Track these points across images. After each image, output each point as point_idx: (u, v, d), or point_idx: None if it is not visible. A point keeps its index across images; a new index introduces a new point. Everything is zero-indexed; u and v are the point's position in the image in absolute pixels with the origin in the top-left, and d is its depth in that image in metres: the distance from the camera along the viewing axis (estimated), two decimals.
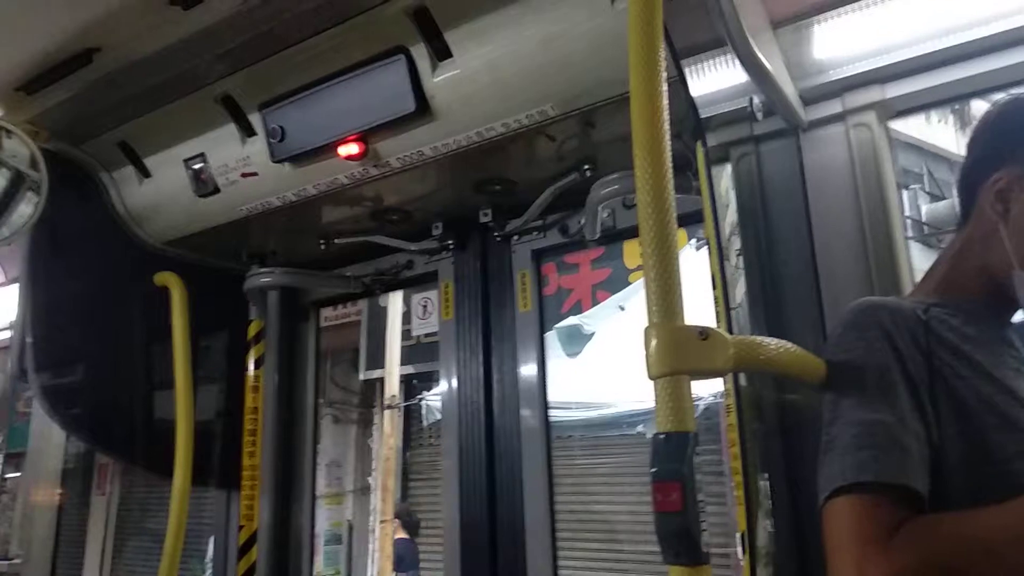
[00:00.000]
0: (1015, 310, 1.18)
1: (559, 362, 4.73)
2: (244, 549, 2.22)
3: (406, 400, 7.32)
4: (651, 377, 0.92)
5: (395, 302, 6.44)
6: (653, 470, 0.87)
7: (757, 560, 1.34)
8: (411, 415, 7.88)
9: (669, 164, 0.98)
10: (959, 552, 0.92)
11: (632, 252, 5.81)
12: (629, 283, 5.94)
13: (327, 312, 2.69)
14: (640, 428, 3.91)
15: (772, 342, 1.01)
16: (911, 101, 1.68)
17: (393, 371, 6.46)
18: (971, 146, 1.24)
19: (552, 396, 2.11)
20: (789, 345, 1.03)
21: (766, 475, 1.54)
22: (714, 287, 1.31)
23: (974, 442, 1.02)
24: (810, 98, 1.70)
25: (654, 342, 0.91)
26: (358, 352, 8.26)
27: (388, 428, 6.39)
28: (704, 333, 0.92)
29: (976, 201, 1.19)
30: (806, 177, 1.68)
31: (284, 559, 2.33)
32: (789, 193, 1.70)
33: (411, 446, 8.07)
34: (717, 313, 1.27)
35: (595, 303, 6.12)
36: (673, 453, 0.87)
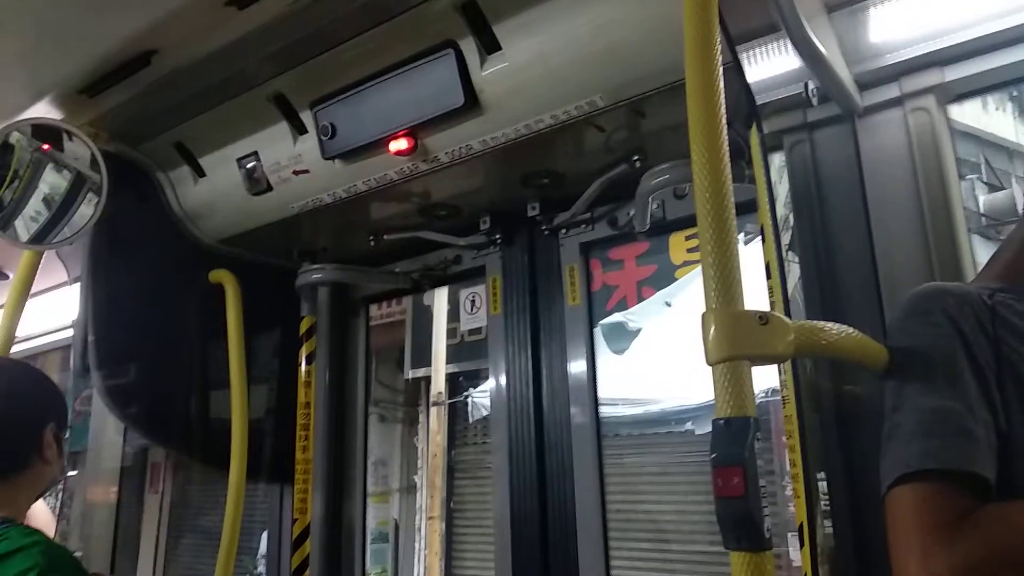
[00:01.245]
0: None
1: (605, 359, 4.70)
2: (298, 542, 2.25)
3: (451, 398, 7.34)
4: (710, 363, 0.91)
5: (440, 300, 6.47)
6: (713, 456, 0.87)
7: (817, 556, 1.31)
8: (456, 414, 7.92)
9: (726, 149, 0.97)
10: None
11: (678, 247, 5.74)
12: (675, 279, 5.87)
13: (372, 311, 2.72)
14: (689, 425, 3.87)
15: (833, 327, 0.99)
16: (971, 84, 1.64)
17: (440, 368, 6.49)
18: None
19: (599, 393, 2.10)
20: (850, 330, 1.01)
21: (822, 473, 1.51)
22: (768, 276, 1.29)
23: None
24: (866, 83, 1.66)
25: (713, 327, 0.90)
26: (403, 351, 8.32)
27: (435, 425, 6.42)
28: (764, 318, 0.90)
29: None
30: (863, 164, 1.64)
31: (336, 554, 2.37)
32: (845, 181, 1.66)
33: (456, 444, 8.10)
34: (772, 303, 1.25)
35: (640, 300, 6.06)
36: (734, 438, 0.86)
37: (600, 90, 1.62)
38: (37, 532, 1.31)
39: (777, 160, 1.77)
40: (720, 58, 1.00)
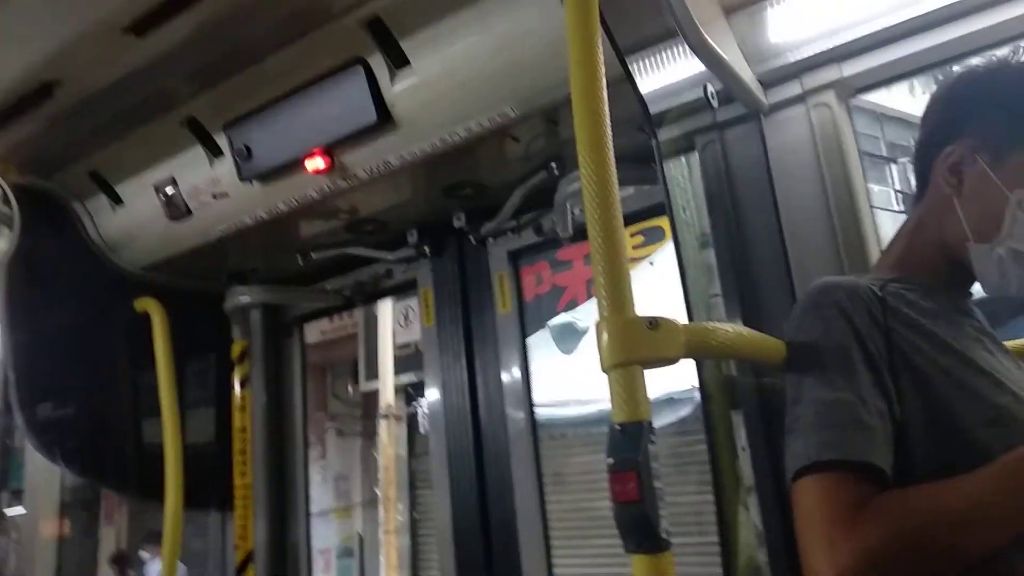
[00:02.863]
0: (972, 282, 1.18)
1: (555, 360, 4.72)
2: (240, 570, 2.22)
3: (407, 409, 7.32)
4: (604, 369, 0.92)
5: (385, 311, 6.43)
6: (610, 461, 0.88)
7: (734, 545, 1.34)
8: (415, 424, 7.88)
9: (611, 161, 0.99)
10: (926, 524, 0.92)
11: (632, 241, 5.81)
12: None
13: (323, 326, 2.70)
14: None
15: (726, 327, 1.02)
16: (869, 78, 1.69)
17: (387, 381, 6.44)
18: (924, 120, 1.24)
19: (548, 394, 2.12)
20: (744, 330, 1.04)
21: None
22: (682, 276, 1.32)
23: (936, 414, 1.02)
24: (769, 81, 1.70)
25: (605, 335, 0.92)
26: (357, 364, 8.26)
27: (386, 438, 6.38)
28: (654, 323, 0.92)
29: (931, 176, 1.20)
30: (770, 160, 1.68)
31: (284, 574, 2.34)
32: (755, 178, 1.70)
33: (416, 453, 8.06)
34: (686, 303, 1.28)
35: (589, 298, 6.11)
36: (628, 443, 0.87)
37: (511, 101, 1.64)
38: None
39: (693, 160, 1.82)
40: (602, 70, 1.02)
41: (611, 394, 0.91)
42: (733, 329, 1.02)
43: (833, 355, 1.05)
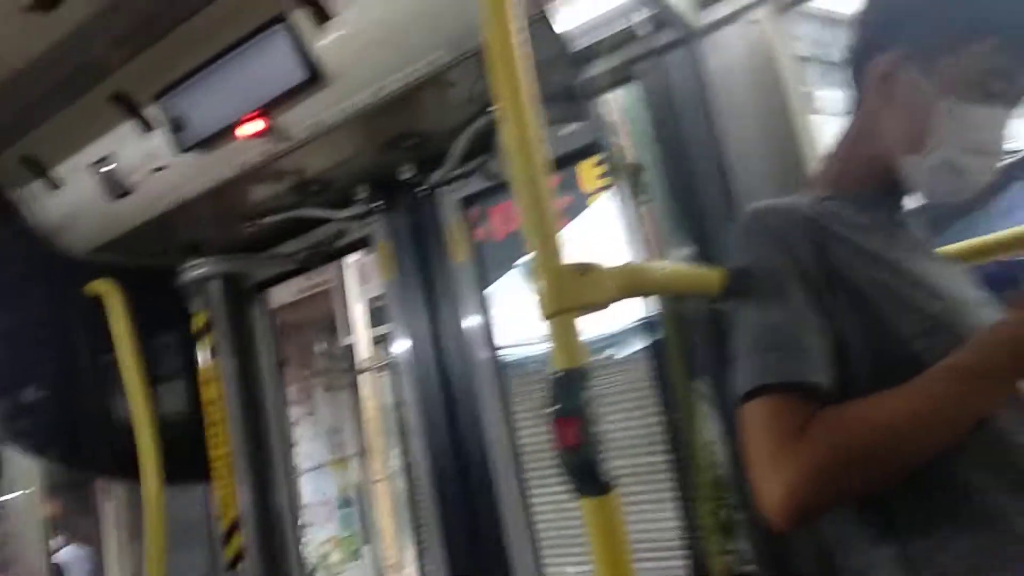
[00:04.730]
0: (907, 193, 1.19)
1: (527, 299, 4.73)
2: (227, 538, 2.26)
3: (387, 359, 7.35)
4: (543, 318, 0.93)
5: (348, 270, 6.40)
6: (551, 409, 0.89)
7: (694, 469, 1.37)
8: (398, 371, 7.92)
9: (532, 108, 0.97)
10: (866, 436, 0.95)
11: (588, 176, 5.78)
12: (587, 207, 5.92)
13: (300, 284, 2.68)
14: (608, 351, 3.97)
15: (660, 266, 1.03)
16: None
17: (361, 337, 6.46)
18: (856, 28, 1.21)
19: (523, 333, 2.12)
20: (679, 266, 1.04)
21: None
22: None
23: (874, 327, 1.04)
24: (704, 2, 1.68)
25: (540, 284, 0.92)
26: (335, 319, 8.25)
27: (367, 391, 6.43)
28: (584, 268, 0.92)
29: (863, 88, 1.19)
30: (708, 83, 1.67)
31: (271, 539, 2.37)
32: (695, 102, 1.69)
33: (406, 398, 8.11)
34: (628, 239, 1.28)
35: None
36: (568, 390, 0.89)
37: (441, 46, 1.60)
38: None
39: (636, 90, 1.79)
40: (514, 12, 0.99)
41: (551, 343, 0.92)
42: (666, 266, 1.02)
43: (768, 280, 1.06)
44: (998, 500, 0.97)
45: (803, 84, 1.70)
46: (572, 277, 0.91)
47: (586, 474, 0.87)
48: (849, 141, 1.23)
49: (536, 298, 0.92)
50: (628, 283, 0.96)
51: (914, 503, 1.00)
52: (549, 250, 0.91)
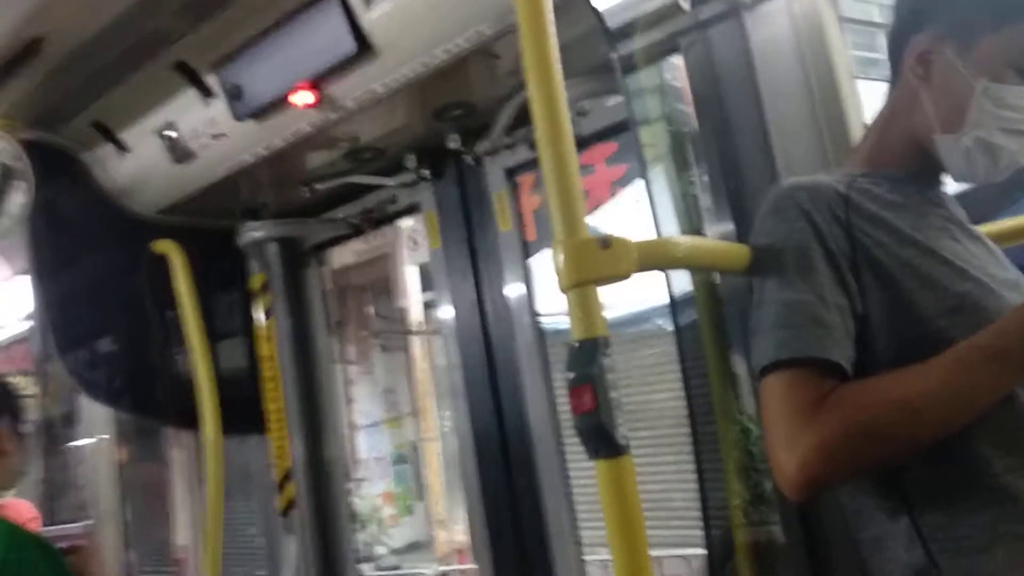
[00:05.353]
0: (942, 172, 1.18)
1: None
2: (281, 486, 2.39)
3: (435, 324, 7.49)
4: (562, 290, 0.97)
5: (400, 236, 6.51)
6: (568, 376, 0.93)
7: (724, 441, 1.40)
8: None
9: (559, 83, 0.99)
10: (883, 413, 0.96)
11: (647, 143, 5.73)
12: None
13: (359, 247, 2.76)
14: (658, 321, 3.96)
15: (684, 240, 1.05)
16: None
17: (414, 301, 6.58)
18: (896, 8, 1.20)
19: (561, 304, 2.15)
20: (703, 240, 1.06)
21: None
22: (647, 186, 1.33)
23: (898, 306, 1.04)
24: None
25: (560, 257, 0.96)
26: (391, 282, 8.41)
27: (418, 353, 6.57)
28: (606, 242, 0.95)
29: (901, 66, 1.18)
30: (754, 57, 1.66)
31: (322, 489, 2.50)
32: (740, 76, 1.68)
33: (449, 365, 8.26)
34: (652, 212, 1.30)
35: (613, 199, 6.07)
36: (584, 358, 0.93)
37: (484, 19, 1.63)
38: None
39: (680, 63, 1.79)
40: None
41: (569, 313, 0.96)
42: (690, 241, 1.05)
43: (793, 256, 1.07)
44: (1012, 479, 0.97)
45: (866, 54, 1.66)
46: (592, 249, 0.94)
47: (601, 437, 0.91)
48: (885, 118, 1.22)
49: (558, 269, 0.96)
50: (650, 257, 0.99)
51: (930, 477, 1.01)
52: (573, 223, 0.95)
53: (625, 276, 0.97)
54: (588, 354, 0.92)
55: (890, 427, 0.96)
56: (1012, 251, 1.22)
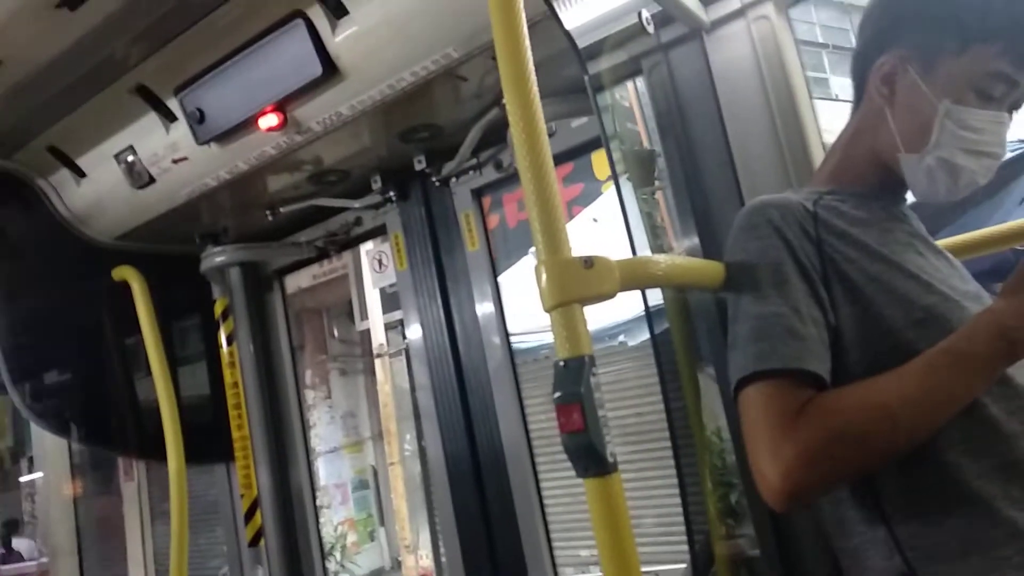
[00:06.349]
0: (905, 189, 1.23)
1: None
2: (248, 515, 2.34)
3: (404, 342, 7.43)
4: (545, 310, 0.97)
5: (363, 258, 6.47)
6: (556, 395, 0.94)
7: (699, 455, 1.42)
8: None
9: (537, 104, 1.01)
10: (860, 418, 0.98)
11: (601, 163, 5.82)
12: (601, 194, 5.97)
13: (315, 270, 2.74)
14: (621, 338, 4.01)
15: (662, 259, 1.06)
16: None
17: (375, 320, 6.54)
18: (860, 30, 1.25)
19: (530, 323, 2.17)
20: (680, 259, 1.09)
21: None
22: (621, 204, 1.35)
23: (868, 319, 1.08)
24: None
25: (544, 276, 0.96)
26: (351, 304, 8.35)
27: (382, 376, 6.52)
28: (589, 262, 0.97)
29: (866, 85, 1.22)
30: (715, 78, 1.70)
31: (290, 518, 2.45)
32: (701, 97, 1.72)
33: (418, 386, 8.21)
34: (627, 231, 1.32)
35: (571, 219, 6.15)
36: (572, 377, 0.93)
37: (452, 42, 1.64)
38: None
39: (641, 84, 1.83)
40: (521, 10, 1.03)
41: (554, 333, 0.96)
42: (668, 259, 1.06)
43: (767, 271, 1.10)
44: (983, 485, 1.00)
45: (813, 74, 1.72)
46: (578, 269, 0.95)
47: (590, 456, 0.91)
48: (849, 137, 1.27)
49: (542, 289, 0.96)
50: (632, 275, 1.00)
51: (905, 486, 1.04)
52: (555, 242, 0.96)
53: (609, 295, 0.98)
54: (575, 373, 0.93)
55: (869, 431, 0.98)
56: (970, 263, 1.27)
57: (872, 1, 1.25)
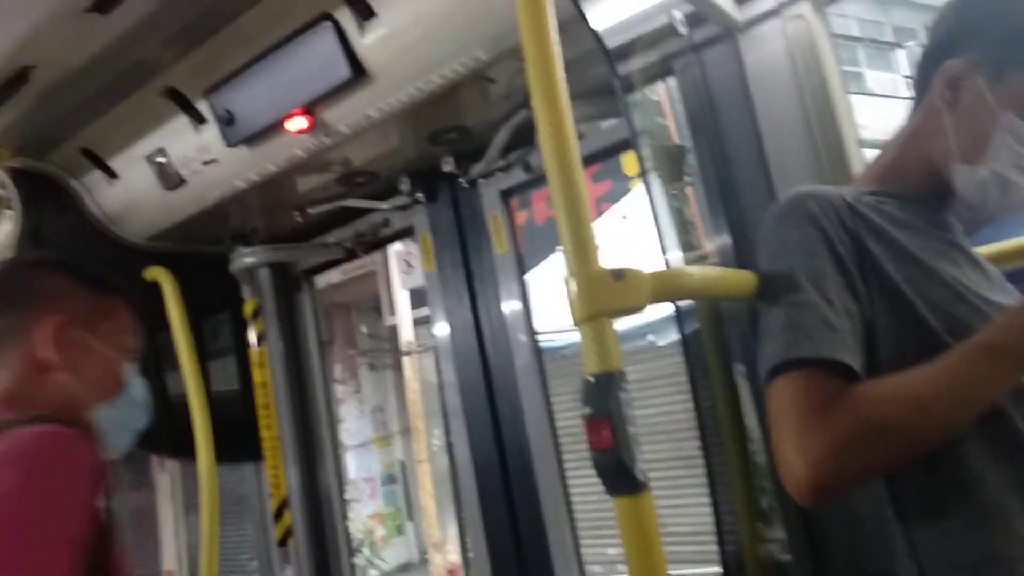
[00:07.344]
0: (952, 197, 1.18)
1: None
2: (278, 515, 2.35)
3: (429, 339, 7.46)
4: (575, 323, 0.95)
5: (391, 258, 6.49)
6: (585, 411, 0.92)
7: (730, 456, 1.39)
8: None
9: (566, 109, 0.98)
10: (891, 410, 0.95)
11: (630, 160, 5.78)
12: (629, 191, 5.93)
13: (344, 265, 2.75)
14: (650, 337, 3.97)
15: (695, 270, 1.04)
16: None
17: (404, 321, 6.55)
18: (932, 30, 1.20)
19: (560, 318, 2.15)
20: (712, 270, 1.06)
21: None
22: (651, 206, 1.33)
23: (904, 318, 1.04)
24: None
25: (573, 288, 0.94)
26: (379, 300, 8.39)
27: (409, 373, 6.53)
28: (619, 274, 0.94)
29: (929, 86, 1.18)
30: (748, 78, 1.67)
31: (318, 517, 2.47)
32: (734, 97, 1.69)
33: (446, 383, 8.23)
34: (658, 234, 1.29)
35: (599, 216, 6.11)
36: (601, 393, 0.91)
37: (479, 44, 1.62)
38: None
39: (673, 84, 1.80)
40: (551, 10, 1.01)
41: (583, 346, 0.94)
42: (700, 271, 1.04)
43: (803, 260, 1.07)
44: (1004, 499, 0.98)
45: (848, 68, 1.68)
46: (607, 281, 0.93)
47: (620, 474, 0.89)
48: (904, 138, 1.22)
49: (571, 301, 0.94)
50: (663, 288, 0.98)
51: (925, 492, 1.02)
52: (585, 254, 0.94)
53: (639, 308, 0.96)
54: (604, 388, 0.91)
55: (900, 422, 0.96)
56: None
57: (950, 2, 1.20)
